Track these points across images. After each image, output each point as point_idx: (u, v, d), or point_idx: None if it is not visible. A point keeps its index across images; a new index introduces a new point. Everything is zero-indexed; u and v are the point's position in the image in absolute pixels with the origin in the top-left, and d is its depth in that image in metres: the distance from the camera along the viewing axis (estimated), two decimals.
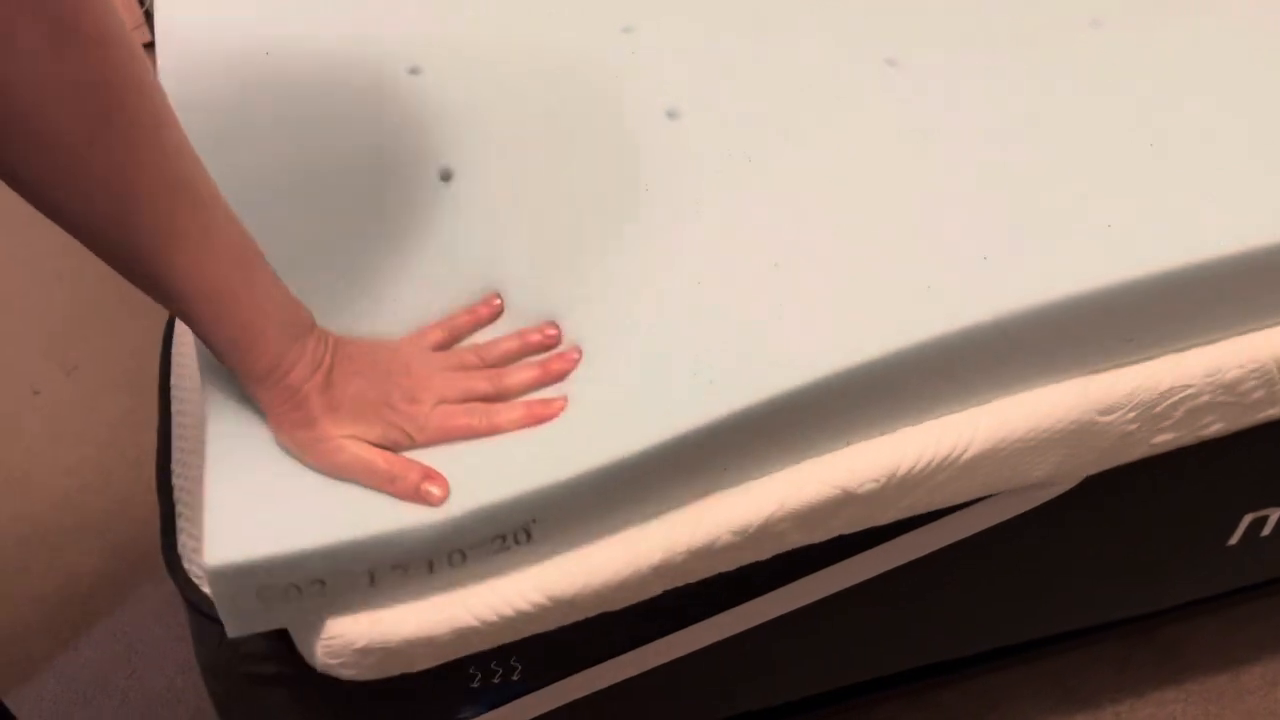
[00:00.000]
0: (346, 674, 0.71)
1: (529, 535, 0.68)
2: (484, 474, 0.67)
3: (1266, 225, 0.77)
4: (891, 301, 0.72)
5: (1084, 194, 0.79)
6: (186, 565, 0.81)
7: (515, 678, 0.87)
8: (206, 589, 0.80)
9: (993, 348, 0.73)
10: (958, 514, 0.85)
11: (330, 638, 0.69)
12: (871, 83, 0.89)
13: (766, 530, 0.72)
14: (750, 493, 0.72)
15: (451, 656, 0.72)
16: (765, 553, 0.75)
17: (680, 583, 0.75)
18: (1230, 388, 0.81)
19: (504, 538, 0.67)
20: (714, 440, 0.68)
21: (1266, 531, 1.04)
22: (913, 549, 0.87)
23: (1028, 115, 0.86)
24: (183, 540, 0.83)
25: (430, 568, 0.67)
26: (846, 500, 0.73)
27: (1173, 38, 0.93)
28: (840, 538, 0.79)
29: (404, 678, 0.83)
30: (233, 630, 0.69)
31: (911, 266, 0.74)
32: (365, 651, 0.69)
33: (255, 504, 0.65)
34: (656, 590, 0.74)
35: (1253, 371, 0.81)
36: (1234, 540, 1.04)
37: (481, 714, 0.88)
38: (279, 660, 0.79)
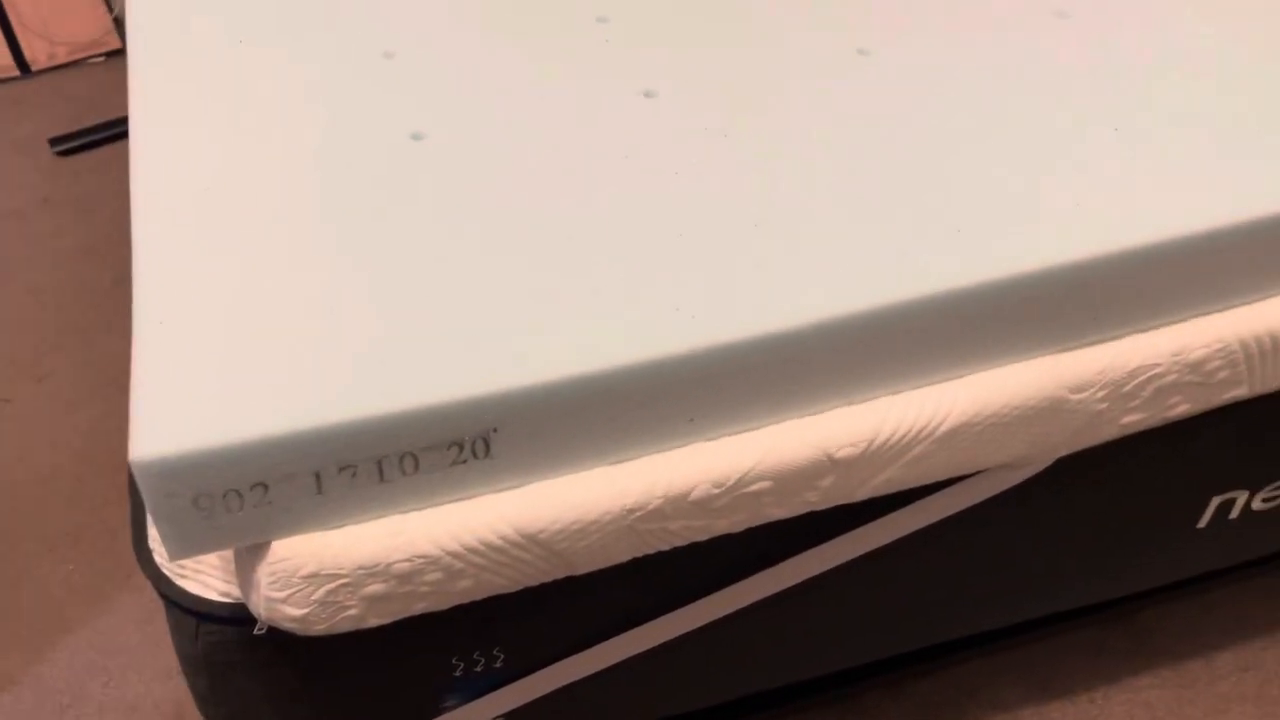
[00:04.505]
0: (291, 619, 0.68)
1: (488, 448, 0.67)
2: (440, 370, 0.65)
3: (1228, 207, 0.79)
4: (866, 265, 0.74)
5: (1051, 175, 0.81)
6: (158, 559, 0.80)
7: (498, 665, 0.87)
8: (180, 581, 0.80)
9: (966, 316, 0.74)
10: (932, 497, 0.86)
11: (276, 562, 0.67)
12: (843, 70, 0.91)
13: (744, 486, 0.73)
14: (730, 446, 0.73)
15: (410, 608, 0.71)
16: (740, 522, 0.76)
17: (651, 548, 0.75)
18: (1196, 367, 0.83)
19: (460, 446, 0.66)
20: (689, 373, 0.69)
21: (1234, 514, 1.06)
22: (888, 532, 0.88)
23: (996, 101, 0.88)
24: (153, 534, 0.82)
25: (380, 472, 0.65)
26: (825, 465, 0.74)
27: (1136, 28, 0.96)
28: (814, 520, 0.81)
29: (386, 665, 0.84)
30: (174, 552, 0.66)
31: (886, 236, 0.76)
32: (313, 579, 0.67)
33: (187, 395, 0.63)
34: (626, 553, 0.74)
35: (1218, 351, 0.82)
36: (1203, 523, 1.06)
37: (466, 703, 0.88)
38: (257, 649, 0.79)
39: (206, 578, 0.80)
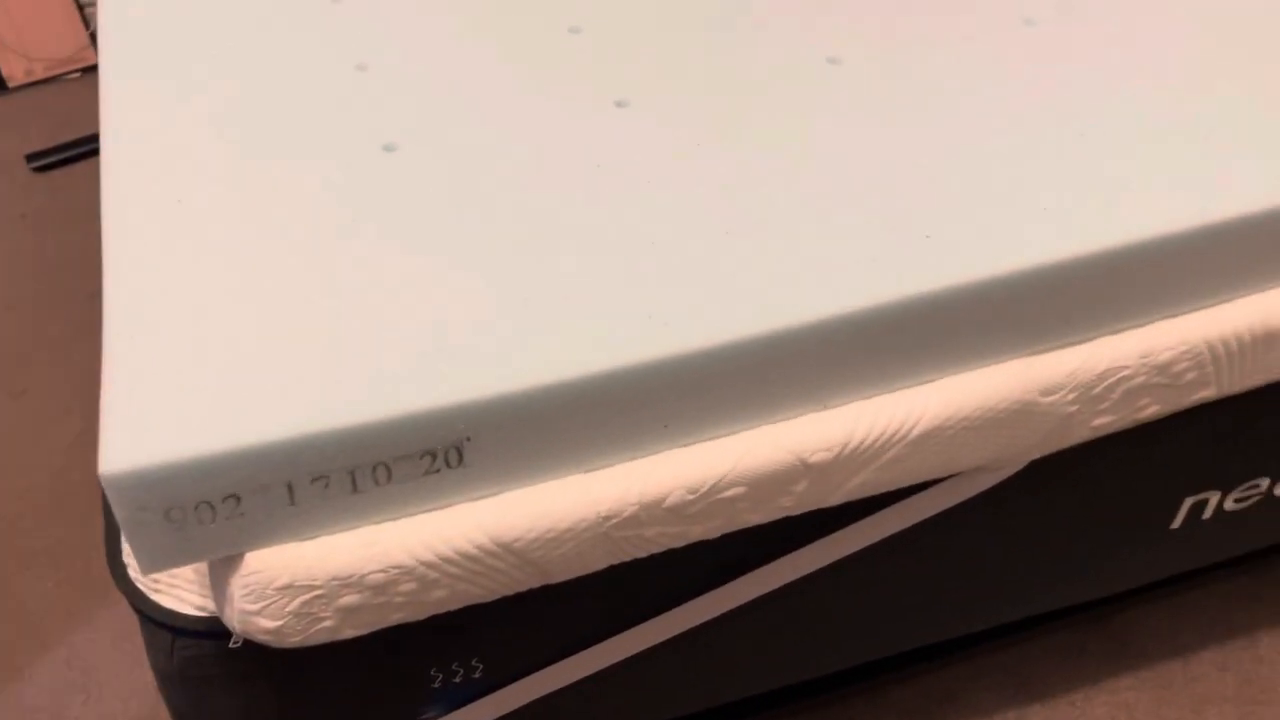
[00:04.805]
0: (266, 632, 0.68)
1: (461, 457, 0.67)
2: (412, 379, 0.66)
3: (1195, 209, 0.80)
4: (839, 271, 0.74)
5: (1020, 179, 0.82)
6: (132, 574, 0.80)
7: (477, 676, 0.87)
8: (154, 596, 0.80)
9: (937, 320, 0.75)
10: (907, 501, 0.87)
11: (250, 574, 0.67)
12: (814, 78, 0.92)
13: (718, 492, 0.73)
14: (704, 451, 0.74)
15: (386, 619, 0.71)
16: (715, 528, 0.76)
17: (627, 556, 0.75)
18: (1164, 369, 0.83)
19: (433, 455, 0.66)
20: (662, 380, 0.69)
21: (1207, 515, 1.07)
22: (864, 537, 0.89)
23: (965, 108, 0.89)
24: (127, 549, 0.82)
25: (354, 483, 0.65)
26: (798, 470, 0.75)
27: (1101, 34, 0.97)
28: (790, 526, 0.81)
29: (363, 677, 0.84)
30: (146, 566, 0.65)
31: (857, 242, 0.76)
32: (287, 591, 0.67)
33: (157, 408, 0.62)
34: (602, 561, 0.74)
35: (1184, 353, 0.83)
36: (1177, 524, 1.07)
37: (445, 714, 0.88)
38: (233, 663, 0.79)
39: (182, 592, 0.80)
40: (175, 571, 0.80)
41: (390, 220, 0.77)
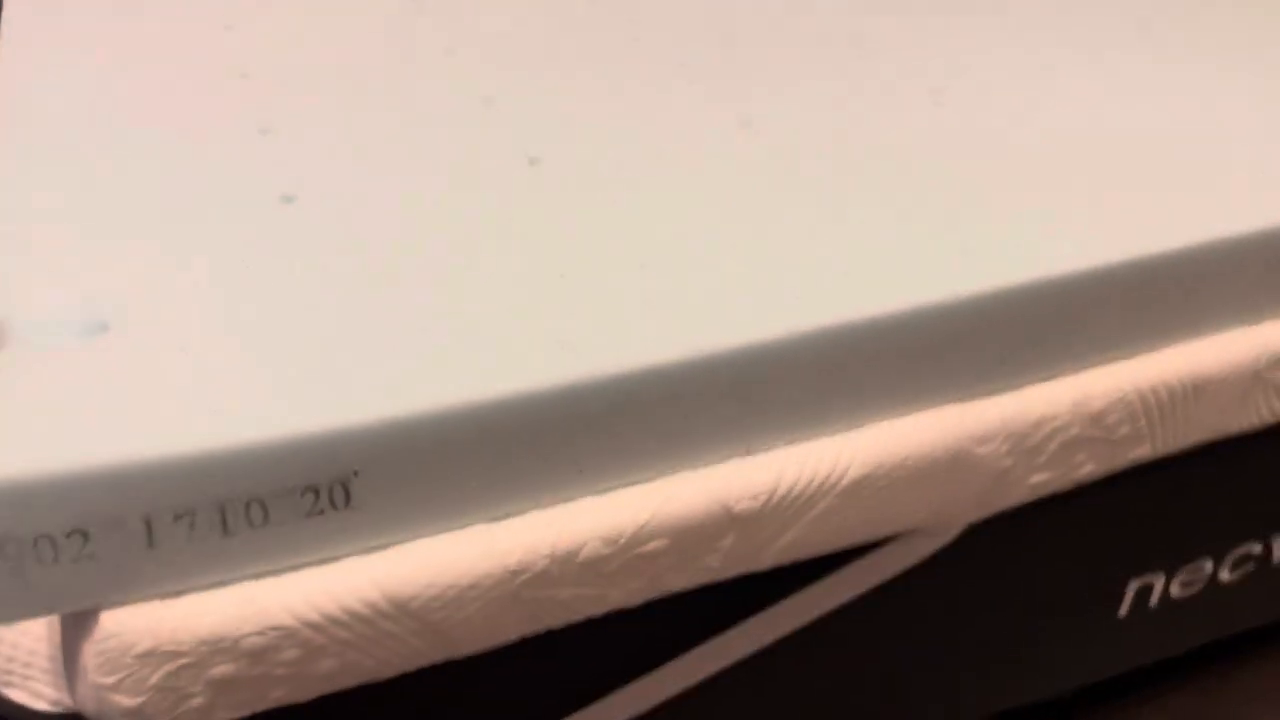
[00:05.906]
0: (125, 711, 0.59)
1: (348, 496, 0.60)
2: (293, 399, 0.59)
3: (1112, 247, 0.80)
4: (759, 304, 0.72)
5: (940, 216, 0.82)
6: None
7: None
8: (5, 690, 0.70)
9: (861, 355, 0.73)
10: (841, 572, 0.82)
11: (105, 639, 0.57)
12: (727, 139, 0.93)
13: (638, 545, 0.67)
14: (621, 499, 0.68)
15: (266, 695, 0.62)
16: (636, 591, 0.70)
17: (542, 624, 0.68)
18: (1097, 420, 0.81)
19: (316, 493, 0.59)
20: (572, 410, 0.64)
21: (1154, 602, 1.03)
22: (797, 615, 0.83)
23: (882, 165, 0.90)
24: None
25: (224, 523, 0.58)
26: (723, 521, 0.70)
27: (1006, 103, 1.00)
28: (717, 598, 0.75)
29: None
30: None
31: (777, 278, 0.75)
32: (149, 658, 0.58)
33: None
34: (513, 628, 0.67)
35: (1117, 402, 0.81)
36: (1124, 612, 1.03)
37: None
38: None
39: (35, 684, 0.70)
40: (29, 660, 0.71)
41: (283, 255, 0.73)
